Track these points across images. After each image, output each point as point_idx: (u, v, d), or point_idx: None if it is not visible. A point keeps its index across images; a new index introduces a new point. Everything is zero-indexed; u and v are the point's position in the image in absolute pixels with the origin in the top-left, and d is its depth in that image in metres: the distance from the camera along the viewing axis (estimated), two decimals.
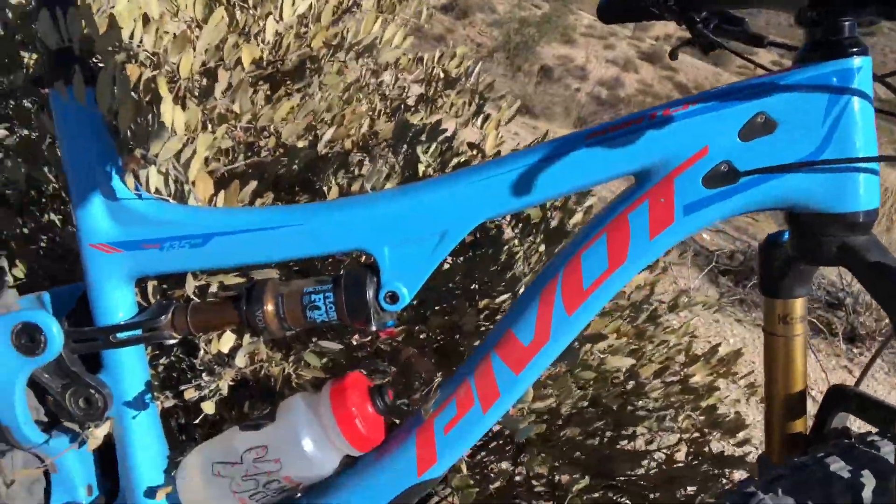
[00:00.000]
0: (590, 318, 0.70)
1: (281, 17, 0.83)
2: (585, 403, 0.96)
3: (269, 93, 0.95)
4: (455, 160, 1.10)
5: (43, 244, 0.93)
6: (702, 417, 1.01)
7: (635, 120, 0.66)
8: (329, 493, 0.75)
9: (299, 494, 0.77)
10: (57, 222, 0.95)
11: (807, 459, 0.63)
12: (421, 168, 1.00)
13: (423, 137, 1.02)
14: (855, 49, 0.60)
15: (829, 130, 0.61)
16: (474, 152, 1.14)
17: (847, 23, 0.61)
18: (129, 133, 0.70)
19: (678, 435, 1.04)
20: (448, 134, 1.12)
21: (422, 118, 1.15)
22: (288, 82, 0.99)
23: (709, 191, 0.63)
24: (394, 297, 0.70)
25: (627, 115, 0.67)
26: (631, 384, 1.02)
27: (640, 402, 1.04)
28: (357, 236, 0.71)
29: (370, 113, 1.17)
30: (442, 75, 1.41)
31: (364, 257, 0.80)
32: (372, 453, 0.75)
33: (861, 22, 0.62)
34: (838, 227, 0.63)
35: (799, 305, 0.76)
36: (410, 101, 1.39)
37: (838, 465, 0.61)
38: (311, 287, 0.72)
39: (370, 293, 0.70)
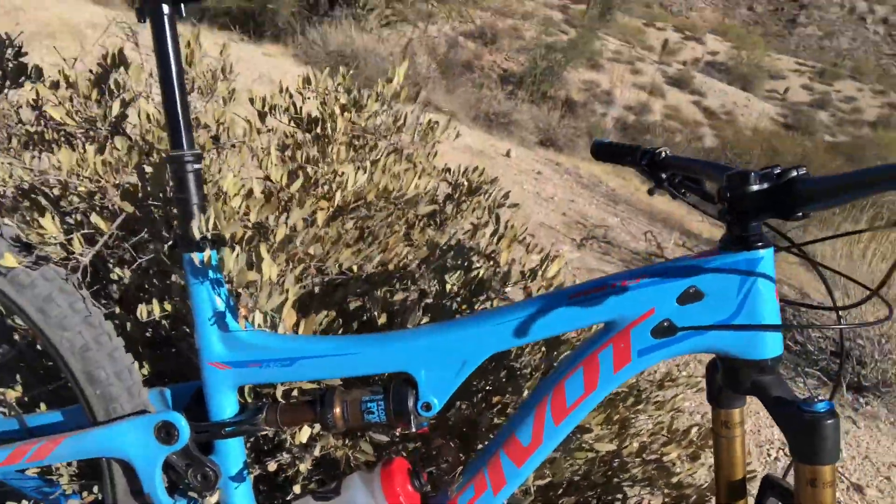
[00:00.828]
0: (572, 427, 0.96)
1: (345, 187, 1.12)
2: (577, 478, 1.22)
3: (330, 229, 1.24)
4: (474, 272, 1.37)
5: (160, 350, 1.23)
6: (674, 493, 1.25)
7: (603, 287, 0.91)
8: None
9: None
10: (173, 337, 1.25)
11: None
12: (448, 286, 1.28)
13: (449, 261, 1.29)
14: (760, 243, 0.81)
15: (741, 302, 0.82)
16: (490, 263, 1.41)
17: (754, 223, 0.82)
18: (241, 286, 0.99)
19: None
20: (467, 247, 1.40)
21: (448, 235, 1.43)
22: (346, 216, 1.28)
23: (655, 340, 0.87)
24: (428, 406, 0.97)
25: (598, 280, 0.92)
26: (616, 462, 1.28)
27: (625, 475, 1.30)
28: (401, 361, 0.98)
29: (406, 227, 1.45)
30: (466, 183, 1.69)
31: (405, 376, 1.07)
32: None
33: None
34: (751, 369, 0.86)
35: (736, 414, 0.99)
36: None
37: None
38: (367, 396, 0.99)
39: (411, 403, 0.97)
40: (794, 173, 0.79)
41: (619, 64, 29.27)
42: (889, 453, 3.18)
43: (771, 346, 0.84)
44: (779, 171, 0.81)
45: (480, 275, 1.37)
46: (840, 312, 0.87)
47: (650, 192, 1.13)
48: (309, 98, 1.35)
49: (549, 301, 0.93)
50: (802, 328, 0.88)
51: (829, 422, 0.79)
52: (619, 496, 1.31)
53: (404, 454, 1.08)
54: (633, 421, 1.31)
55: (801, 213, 0.79)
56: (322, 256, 1.12)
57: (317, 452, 1.00)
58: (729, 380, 0.89)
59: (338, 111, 1.27)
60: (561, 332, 0.95)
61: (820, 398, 0.83)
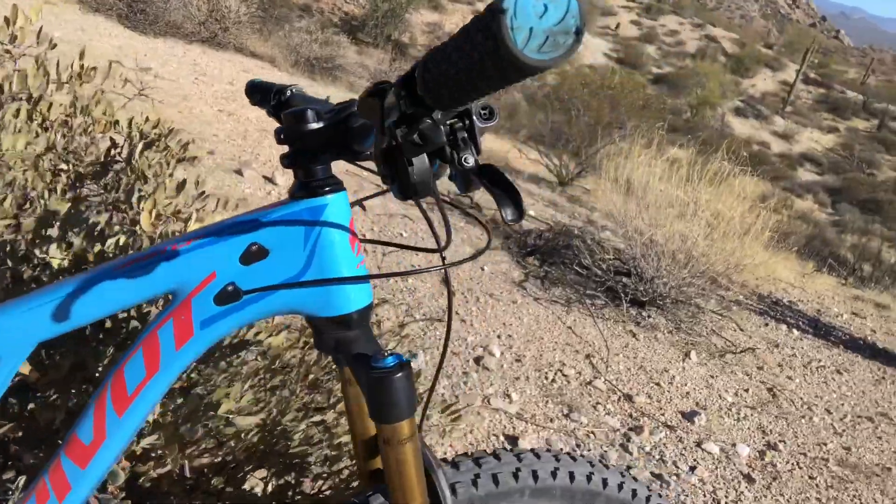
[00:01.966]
0: (140, 418, 0.83)
1: None
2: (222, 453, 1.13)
3: None
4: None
5: None
6: (335, 453, 1.20)
7: (152, 254, 0.79)
8: None
9: None
10: None
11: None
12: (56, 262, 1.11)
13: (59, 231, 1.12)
14: (328, 188, 0.73)
15: (309, 256, 0.74)
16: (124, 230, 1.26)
17: (318, 167, 0.76)
18: None
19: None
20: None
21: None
22: None
23: (220, 308, 0.77)
24: None
25: (149, 249, 0.80)
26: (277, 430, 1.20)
27: (288, 442, 1.23)
28: None
29: None
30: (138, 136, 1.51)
31: None
32: None
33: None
34: (333, 326, 0.79)
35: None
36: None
37: None
38: None
39: None
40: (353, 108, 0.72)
41: (461, 4, 29.27)
42: (662, 360, 3.46)
43: (353, 299, 0.77)
44: (340, 106, 0.74)
45: (106, 247, 1.20)
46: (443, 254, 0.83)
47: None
48: None
49: (93, 277, 0.80)
50: (375, 278, 0.82)
51: (397, 376, 0.75)
52: (297, 461, 1.25)
53: None
54: (281, 390, 1.23)
55: (366, 153, 0.73)
56: None
57: None
58: (317, 339, 0.82)
59: None
60: (114, 311, 0.82)
61: (389, 352, 0.77)
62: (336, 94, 8.15)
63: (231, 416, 1.09)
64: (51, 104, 1.55)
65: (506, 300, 3.61)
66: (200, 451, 1.27)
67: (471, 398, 2.75)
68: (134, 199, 1.48)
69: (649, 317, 3.86)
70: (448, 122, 0.61)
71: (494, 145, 8.63)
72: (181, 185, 1.43)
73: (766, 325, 4.40)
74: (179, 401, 1.16)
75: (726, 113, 27.26)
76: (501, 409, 2.74)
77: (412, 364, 1.48)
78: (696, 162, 3.98)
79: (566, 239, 4.21)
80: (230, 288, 0.73)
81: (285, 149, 0.76)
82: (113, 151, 1.56)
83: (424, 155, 0.63)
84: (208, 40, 8.21)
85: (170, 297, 0.80)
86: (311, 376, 1.50)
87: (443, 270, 0.75)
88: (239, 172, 4.22)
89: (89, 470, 0.83)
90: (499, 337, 3.24)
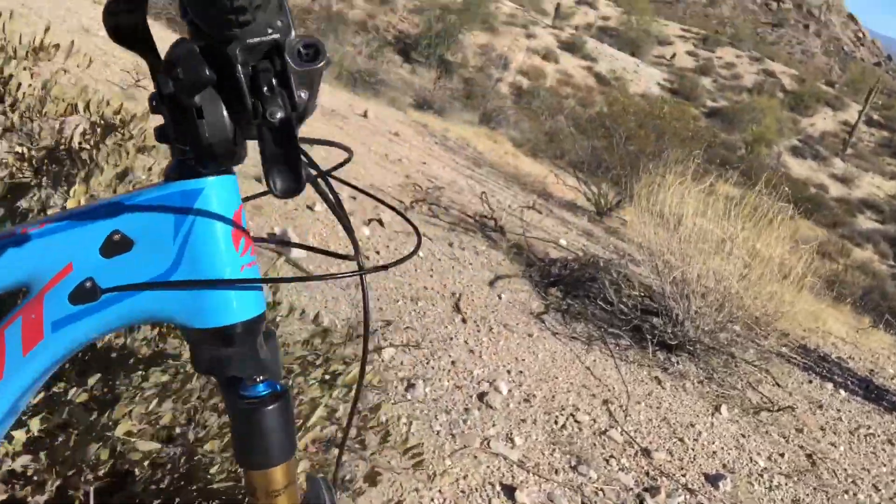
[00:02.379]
0: None
1: None
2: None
3: None
4: None
5: None
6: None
7: (3, 237, 0.64)
8: None
9: None
10: None
11: None
12: None
13: None
14: (209, 169, 0.59)
15: (178, 251, 0.60)
16: None
17: None
18: None
19: None
20: None
21: None
22: None
23: (74, 307, 0.61)
24: None
25: (7, 230, 0.65)
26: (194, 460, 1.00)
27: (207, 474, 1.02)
28: None
29: None
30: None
31: None
32: None
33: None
34: (208, 340, 0.62)
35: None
36: None
37: None
38: None
39: None
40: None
41: (515, 27, 29.34)
42: (689, 412, 3.14)
43: (236, 308, 0.62)
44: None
45: None
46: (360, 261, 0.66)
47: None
48: None
49: None
50: (262, 282, 0.64)
51: (268, 408, 0.62)
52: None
53: None
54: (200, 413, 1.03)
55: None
56: None
57: None
58: (192, 356, 0.65)
59: None
60: None
61: (262, 378, 0.63)
62: (374, 108, 8.07)
63: (132, 440, 0.89)
64: (19, 84, 1.42)
65: (521, 332, 3.35)
66: (99, 478, 1.07)
67: (469, 438, 2.50)
68: (74, 188, 1.32)
69: (678, 363, 3.55)
70: (253, 63, 0.47)
71: (532, 169, 8.41)
72: (122, 175, 1.26)
73: (810, 381, 4.02)
74: (65, 418, 0.97)
75: (782, 152, 26.46)
76: (502, 454, 2.48)
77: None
78: (736, 196, 3.68)
79: (593, 271, 3.94)
80: (87, 284, 0.61)
81: None
82: (68, 135, 1.41)
83: (221, 106, 0.49)
84: None
85: (24, 291, 0.64)
86: None
87: (361, 279, 0.65)
88: (258, 179, 4.09)
89: None
90: (508, 372, 2.99)
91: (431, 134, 8.15)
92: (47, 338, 0.62)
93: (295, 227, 3.42)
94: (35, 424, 0.91)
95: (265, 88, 0.46)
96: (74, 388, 1.01)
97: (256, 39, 0.45)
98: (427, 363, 2.84)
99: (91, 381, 1.02)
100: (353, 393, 1.43)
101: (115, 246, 0.61)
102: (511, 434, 2.58)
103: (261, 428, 0.62)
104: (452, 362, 2.90)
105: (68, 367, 1.07)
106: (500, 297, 3.64)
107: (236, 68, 0.45)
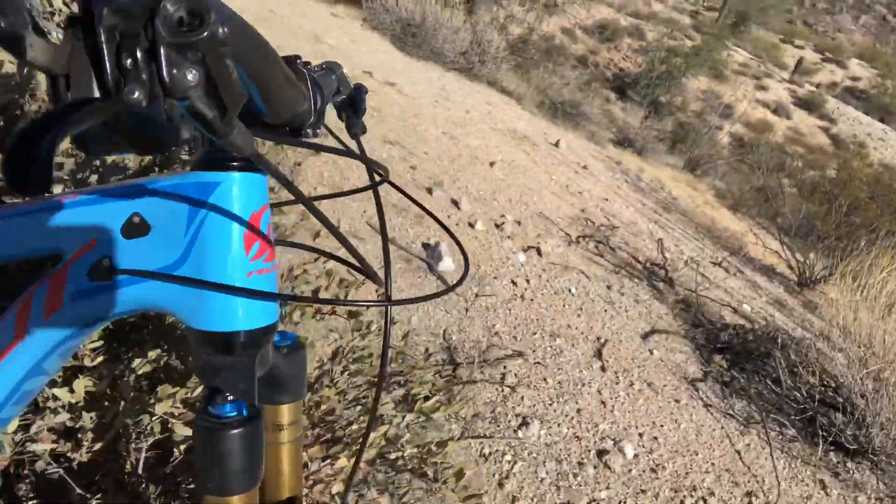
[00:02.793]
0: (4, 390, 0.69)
1: None
2: None
3: None
4: None
5: None
6: None
7: (42, 201, 0.66)
8: None
9: None
10: None
11: None
12: None
13: None
14: (233, 163, 0.58)
15: (188, 244, 0.59)
16: None
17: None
18: None
19: None
20: None
21: None
22: None
23: (90, 283, 0.62)
24: None
25: (40, 200, 0.66)
26: None
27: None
28: None
29: None
30: None
31: None
32: None
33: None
34: (205, 344, 0.59)
35: (284, 412, 0.74)
36: None
37: None
38: None
39: None
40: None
41: (745, 77, 27.49)
42: None
43: (240, 315, 0.59)
44: None
45: None
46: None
47: None
48: None
49: None
50: (268, 298, 0.50)
51: (229, 433, 0.58)
52: None
53: None
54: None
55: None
56: None
57: None
58: (192, 357, 0.65)
59: None
60: (6, 260, 0.68)
61: (230, 398, 0.60)
62: (569, 138, 7.95)
63: (170, 421, 0.90)
64: None
65: (667, 396, 3.02)
66: (149, 448, 1.09)
67: (575, 495, 2.28)
68: None
69: (854, 471, 2.96)
70: (121, 31, 0.38)
71: (731, 224, 7.72)
72: None
73: None
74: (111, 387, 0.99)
75: None
76: None
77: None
78: None
79: (770, 346, 3.46)
80: (104, 262, 0.61)
81: None
82: None
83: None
84: (465, 70, 8.55)
85: (56, 258, 0.66)
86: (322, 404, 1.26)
87: (385, 310, 0.62)
88: (429, 191, 4.18)
89: None
90: (640, 435, 2.70)
91: (623, 171, 7.83)
92: (64, 307, 0.63)
93: (449, 244, 3.42)
94: (80, 385, 0.93)
95: (128, 61, 0.38)
96: (138, 360, 1.03)
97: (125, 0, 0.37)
98: (550, 404, 2.66)
99: (152, 353, 1.04)
100: (424, 419, 1.35)
101: (134, 228, 0.60)
102: (625, 502, 2.31)
103: (219, 452, 0.58)
104: (578, 410, 2.68)
105: (133, 334, 1.10)
106: (651, 353, 3.33)
107: (98, 34, 0.37)
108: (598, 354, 3.12)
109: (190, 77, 0.38)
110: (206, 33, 0.36)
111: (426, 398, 1.41)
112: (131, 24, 0.37)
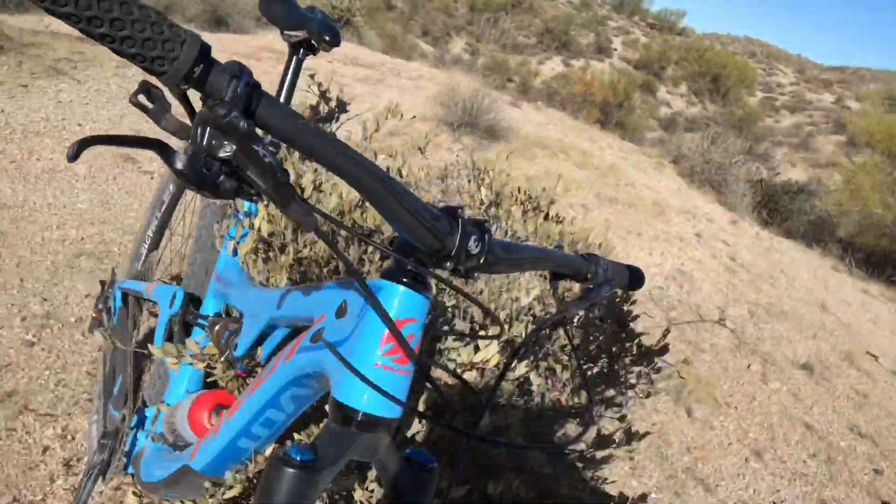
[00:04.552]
0: (256, 406, 0.88)
1: None
2: None
3: None
4: None
5: None
6: None
7: (317, 283, 0.93)
8: None
9: None
10: None
11: None
12: None
13: None
14: (404, 279, 0.69)
15: (352, 328, 0.72)
16: None
17: (412, 258, 0.70)
18: None
19: None
20: None
21: None
22: None
23: (310, 343, 0.79)
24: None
25: (312, 284, 0.91)
26: None
27: None
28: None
29: None
30: None
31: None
32: None
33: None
34: (335, 409, 0.69)
35: None
36: None
37: None
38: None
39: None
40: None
41: None
42: None
43: (365, 399, 0.67)
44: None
45: None
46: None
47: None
48: None
49: (290, 290, 0.96)
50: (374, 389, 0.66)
51: (283, 470, 0.64)
52: None
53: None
54: None
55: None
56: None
57: None
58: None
59: None
60: (297, 319, 0.93)
61: (307, 445, 0.67)
62: (710, 209, 7.74)
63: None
64: None
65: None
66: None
67: None
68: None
69: None
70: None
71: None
72: None
73: None
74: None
75: None
76: None
77: None
78: None
79: None
80: (322, 331, 0.78)
81: None
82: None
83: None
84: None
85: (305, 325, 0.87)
86: None
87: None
88: None
89: (230, 423, 0.93)
90: None
91: (764, 239, 7.62)
92: (294, 356, 0.81)
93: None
94: None
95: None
96: None
97: None
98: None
99: None
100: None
101: (340, 311, 0.76)
102: None
103: (267, 482, 0.63)
104: None
105: None
106: None
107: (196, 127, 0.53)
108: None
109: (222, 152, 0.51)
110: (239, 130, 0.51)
111: None
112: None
